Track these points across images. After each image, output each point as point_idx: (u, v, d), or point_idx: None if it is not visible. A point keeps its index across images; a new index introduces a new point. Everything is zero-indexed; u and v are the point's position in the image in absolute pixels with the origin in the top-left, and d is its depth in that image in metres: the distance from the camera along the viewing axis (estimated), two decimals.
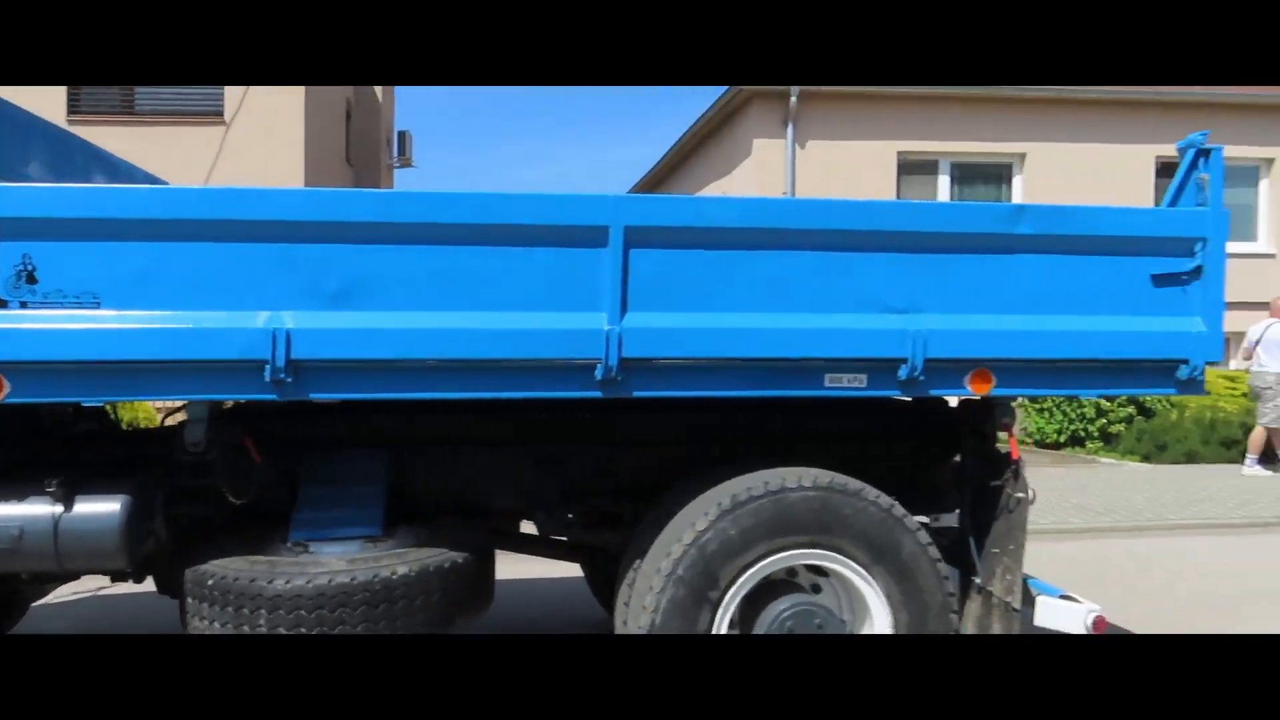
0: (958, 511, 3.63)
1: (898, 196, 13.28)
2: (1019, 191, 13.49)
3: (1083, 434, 11.87)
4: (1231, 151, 12.70)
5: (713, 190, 15.22)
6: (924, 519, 3.70)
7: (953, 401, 3.57)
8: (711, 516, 3.00)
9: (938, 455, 3.72)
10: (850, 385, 3.05)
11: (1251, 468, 10.29)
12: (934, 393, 3.13)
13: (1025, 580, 3.48)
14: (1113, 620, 5.21)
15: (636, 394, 2.94)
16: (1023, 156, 13.44)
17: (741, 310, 2.96)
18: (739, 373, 2.99)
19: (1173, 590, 6.10)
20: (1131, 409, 11.68)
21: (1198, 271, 3.19)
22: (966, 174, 13.70)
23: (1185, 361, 3.22)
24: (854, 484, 3.11)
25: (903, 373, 3.03)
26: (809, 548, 3.08)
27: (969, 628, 3.42)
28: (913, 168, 13.61)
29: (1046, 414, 12.09)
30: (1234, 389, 11.67)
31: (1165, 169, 13.53)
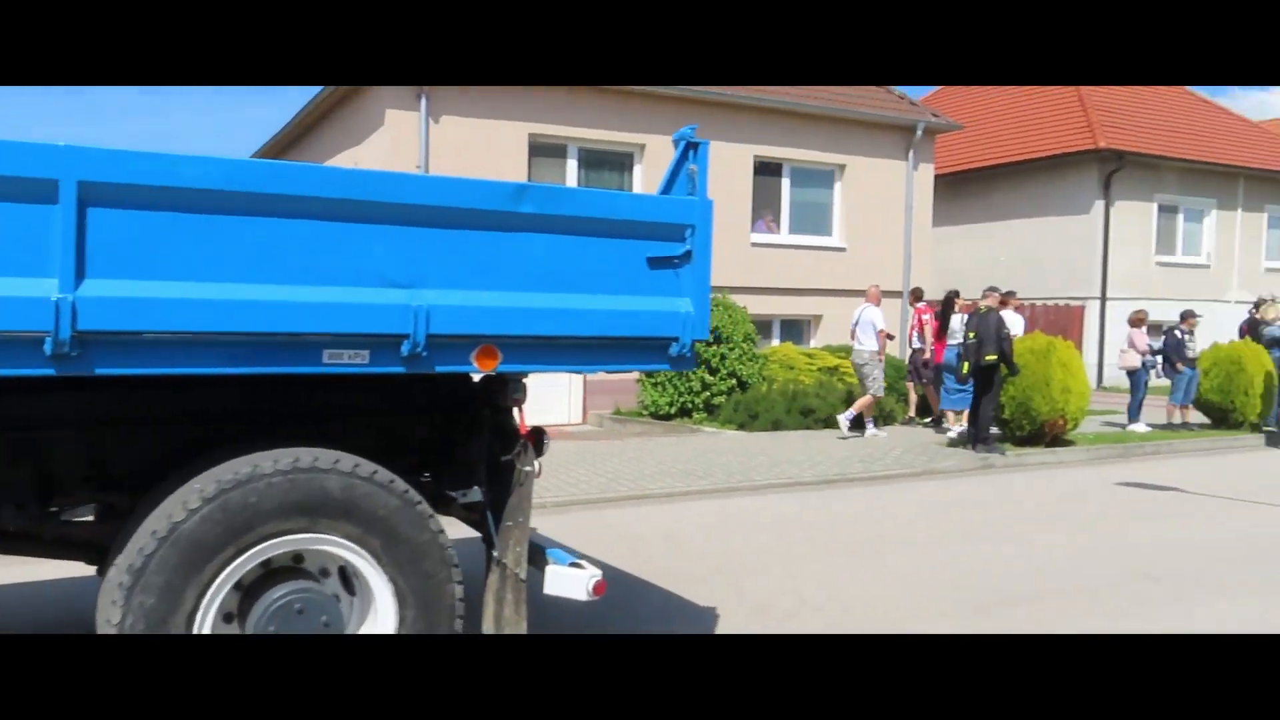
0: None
1: (529, 178, 13.53)
2: (639, 180, 14.28)
3: (690, 405, 12.86)
4: (813, 156, 14.28)
5: (344, 159, 14.56)
6: (456, 494, 3.73)
7: (477, 377, 3.63)
8: (121, 602, 2.72)
9: (465, 431, 3.74)
10: (352, 362, 2.95)
11: (845, 421, 11.81)
12: (440, 369, 3.11)
13: (544, 550, 3.62)
14: (704, 573, 5.78)
15: (100, 371, 2.64)
16: (643, 147, 14.23)
17: (227, 280, 2.74)
18: (226, 348, 2.78)
19: (752, 541, 6.80)
20: (732, 382, 12.85)
21: (688, 256, 3.43)
22: (593, 160, 14.27)
23: (676, 339, 3.44)
24: (244, 470, 2.88)
25: (405, 349, 2.98)
26: (242, 554, 2.89)
27: (489, 599, 3.48)
28: (544, 150, 13.92)
29: (659, 388, 12.96)
30: (811, 364, 13.24)
31: (762, 167, 15.00)
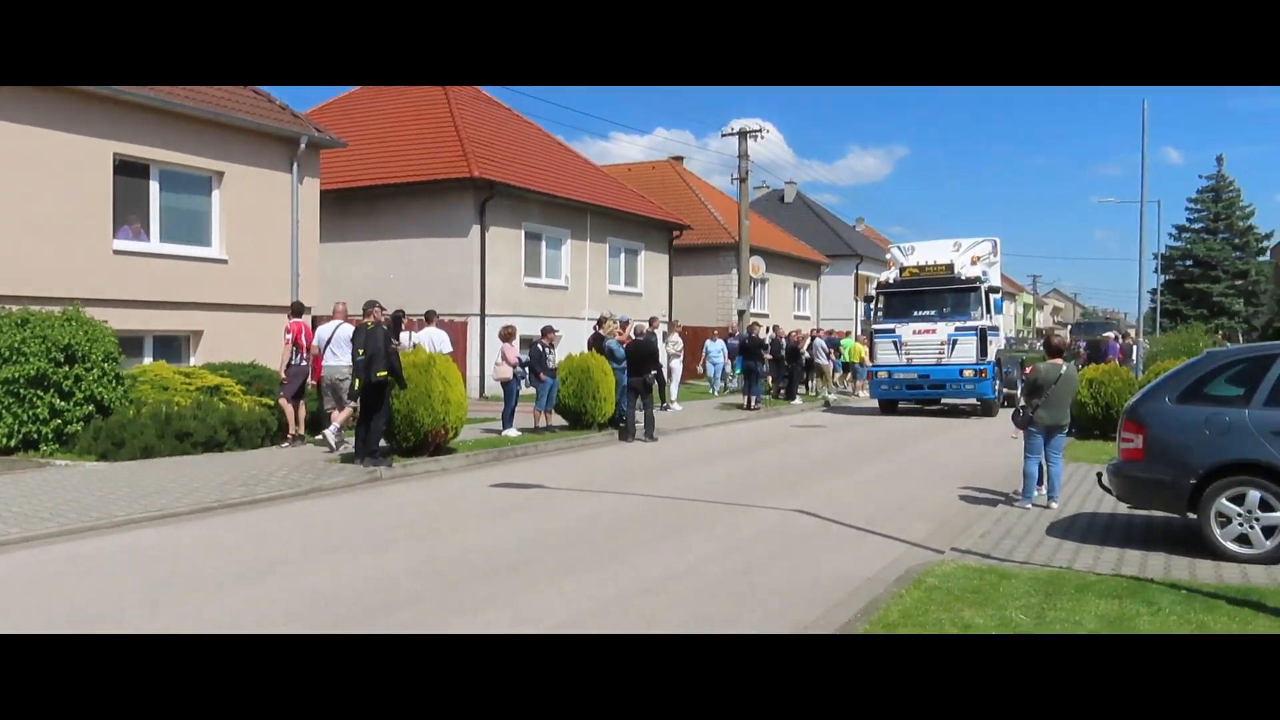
0: None
1: None
2: None
3: (36, 436, 10.95)
4: (186, 159, 13.22)
5: None
6: None
7: None
8: None
9: None
10: None
11: (335, 434, 12.00)
12: None
13: None
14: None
15: None
16: None
17: None
18: None
19: (107, 587, 5.91)
20: (90, 408, 11.23)
21: None
22: None
23: None
24: None
25: None
26: None
27: None
28: None
29: None
30: (189, 384, 12.19)
31: (125, 168, 13.39)
